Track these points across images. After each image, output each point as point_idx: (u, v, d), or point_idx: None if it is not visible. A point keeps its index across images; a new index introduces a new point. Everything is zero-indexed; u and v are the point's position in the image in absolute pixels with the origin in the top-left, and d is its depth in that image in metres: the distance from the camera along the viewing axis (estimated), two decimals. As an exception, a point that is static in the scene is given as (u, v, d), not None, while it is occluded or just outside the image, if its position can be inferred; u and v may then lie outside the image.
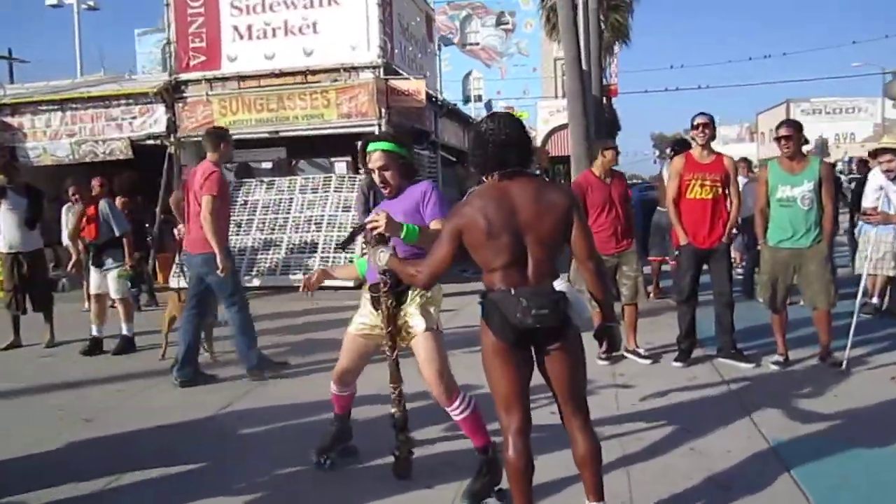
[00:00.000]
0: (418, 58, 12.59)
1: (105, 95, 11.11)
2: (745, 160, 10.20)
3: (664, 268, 8.35)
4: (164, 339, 6.24)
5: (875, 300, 7.04)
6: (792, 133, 5.10)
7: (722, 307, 5.49)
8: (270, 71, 10.63)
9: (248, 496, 3.42)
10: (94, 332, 6.64)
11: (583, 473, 2.80)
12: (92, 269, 6.80)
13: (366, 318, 3.46)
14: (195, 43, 10.86)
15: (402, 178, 3.40)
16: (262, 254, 9.97)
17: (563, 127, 20.50)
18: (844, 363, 5.11)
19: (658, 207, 8.16)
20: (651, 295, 7.81)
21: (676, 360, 5.50)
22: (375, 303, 3.34)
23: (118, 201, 8.34)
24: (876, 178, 5.82)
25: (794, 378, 5.06)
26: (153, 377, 5.67)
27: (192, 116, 10.82)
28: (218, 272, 5.19)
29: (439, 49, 17.79)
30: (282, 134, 10.61)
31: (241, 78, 10.80)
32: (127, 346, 6.59)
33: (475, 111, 22.82)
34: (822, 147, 38.04)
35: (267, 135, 10.59)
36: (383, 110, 10.06)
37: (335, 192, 10.48)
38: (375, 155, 3.37)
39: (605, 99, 16.51)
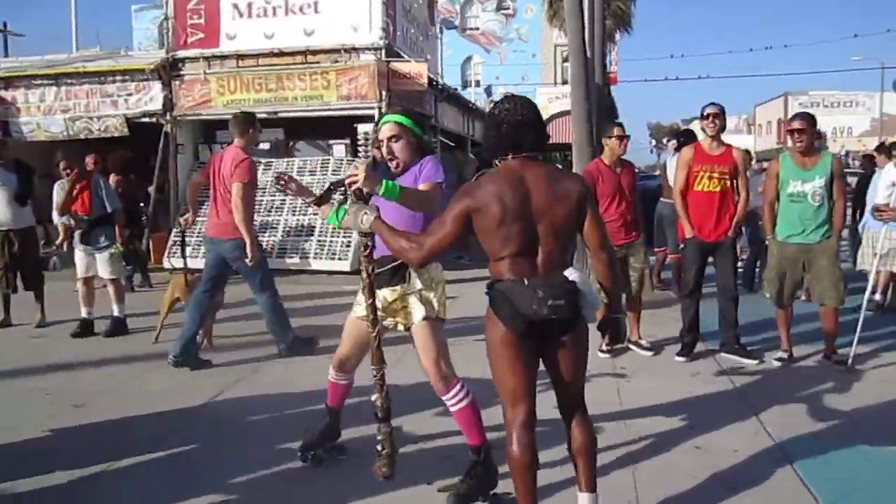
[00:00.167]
0: (420, 41, 12.40)
1: (101, 71, 10.90)
2: (747, 152, 10.08)
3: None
4: (160, 322, 6.10)
5: (878, 296, 6.98)
6: (805, 126, 4.98)
7: (726, 301, 5.42)
8: (270, 50, 10.44)
9: (243, 487, 3.33)
10: (84, 314, 6.52)
11: (578, 465, 2.75)
12: (78, 250, 6.59)
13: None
14: (193, 20, 10.65)
15: (411, 155, 3.22)
16: (258, 236, 9.82)
17: (561, 114, 20.33)
18: (850, 361, 5.04)
19: (661, 198, 8.05)
20: (653, 287, 7.74)
21: (679, 354, 5.43)
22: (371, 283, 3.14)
23: (112, 179, 8.20)
24: (890, 173, 5.71)
25: (799, 375, 5.00)
26: (146, 361, 5.56)
27: (188, 95, 10.63)
28: (247, 261, 5.22)
29: (441, 32, 17.60)
30: (280, 115, 10.43)
31: (240, 57, 10.61)
32: (119, 327, 6.48)
33: (475, 96, 22.61)
34: (821, 141, 37.95)
35: (265, 115, 10.37)
36: (384, 93, 9.90)
37: (333, 174, 10.33)
38: (387, 126, 3.22)
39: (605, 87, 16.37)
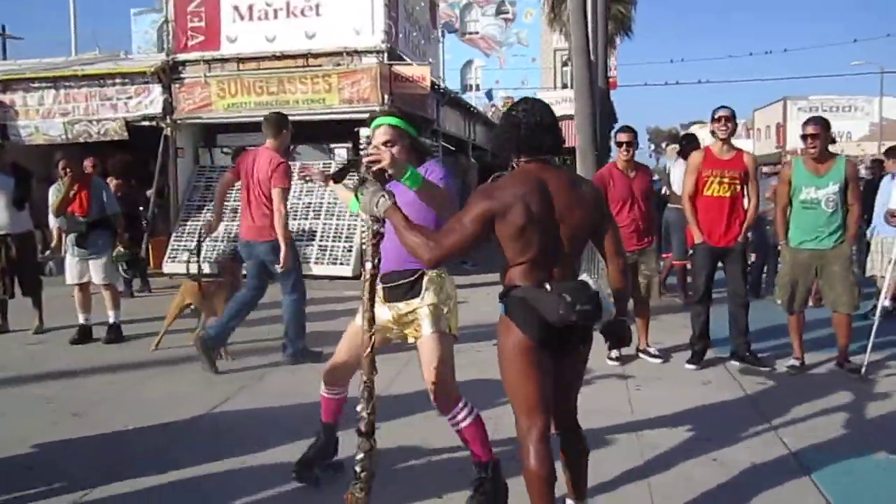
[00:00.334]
0: (422, 44, 12.31)
1: (100, 74, 10.79)
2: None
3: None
4: (164, 327, 5.92)
5: (887, 302, 6.88)
6: (819, 131, 4.89)
7: (737, 308, 5.33)
8: (271, 53, 10.33)
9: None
10: (82, 320, 6.40)
11: (571, 474, 2.73)
12: (71, 256, 6.39)
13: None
14: (194, 22, 10.55)
15: (408, 158, 2.99)
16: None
17: (562, 118, 20.18)
18: (863, 369, 4.95)
19: (668, 204, 7.97)
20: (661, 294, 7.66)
21: (689, 361, 5.34)
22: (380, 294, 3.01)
23: (112, 183, 8.09)
24: (905, 178, 5.63)
25: (812, 384, 4.90)
26: (146, 368, 5.46)
27: (189, 98, 10.52)
28: (278, 267, 5.26)
29: (443, 36, 17.51)
30: (281, 118, 10.32)
31: (241, 60, 10.50)
32: (116, 334, 6.36)
33: (475, 100, 22.52)
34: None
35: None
36: (386, 96, 9.81)
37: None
38: (381, 130, 3.07)
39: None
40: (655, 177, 8.77)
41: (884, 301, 5.32)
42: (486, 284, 8.32)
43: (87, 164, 7.22)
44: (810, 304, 6.23)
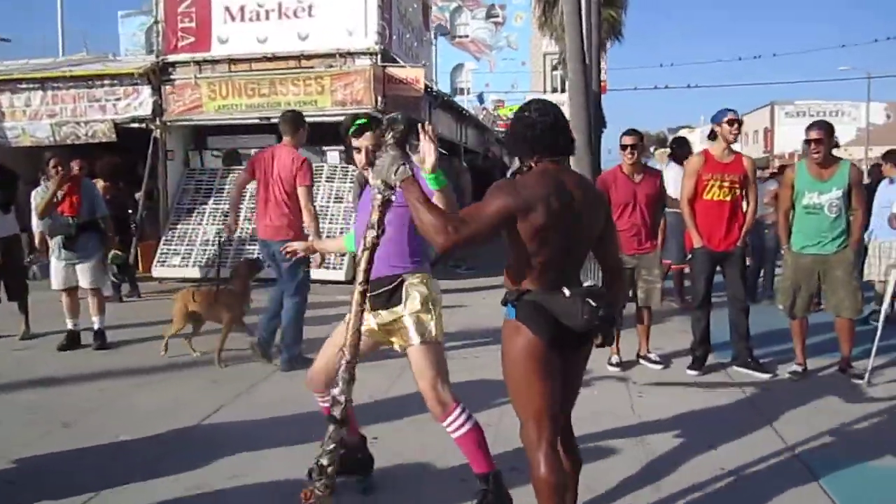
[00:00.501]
0: (415, 46, 12.22)
1: (88, 75, 10.62)
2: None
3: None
4: (168, 334, 5.75)
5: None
6: (822, 136, 4.84)
7: (737, 312, 5.28)
8: (263, 55, 10.20)
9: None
10: (70, 326, 6.24)
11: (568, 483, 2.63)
12: (56, 260, 6.21)
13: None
14: (184, 23, 10.40)
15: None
16: (249, 244, 9.59)
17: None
18: (867, 375, 4.90)
19: (666, 209, 7.91)
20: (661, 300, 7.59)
21: (691, 367, 5.28)
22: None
23: (99, 185, 7.94)
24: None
25: (815, 390, 4.84)
26: (137, 375, 5.33)
27: (179, 100, 10.37)
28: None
29: (435, 38, 17.45)
30: (273, 120, 10.17)
31: (232, 61, 10.36)
32: (102, 340, 6.20)
33: (466, 104, 22.46)
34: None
35: (257, 121, 10.17)
36: (379, 98, 9.70)
37: (327, 181, 10.14)
38: (368, 134, 3.04)
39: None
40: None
41: (886, 307, 5.27)
42: (484, 288, 8.27)
43: (74, 165, 7.06)
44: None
